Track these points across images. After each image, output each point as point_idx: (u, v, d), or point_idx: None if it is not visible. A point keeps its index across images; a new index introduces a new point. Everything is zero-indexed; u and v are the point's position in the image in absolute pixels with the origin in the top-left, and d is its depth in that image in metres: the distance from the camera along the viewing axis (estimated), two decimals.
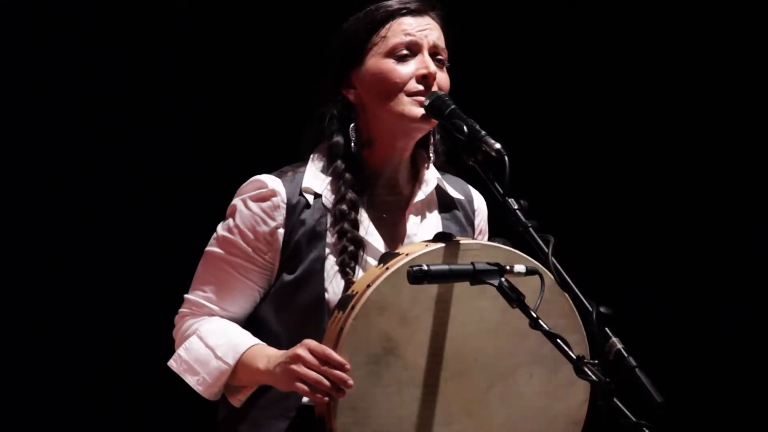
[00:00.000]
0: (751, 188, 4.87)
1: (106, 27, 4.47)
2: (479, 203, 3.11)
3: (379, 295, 2.72)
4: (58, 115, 4.47)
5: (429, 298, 2.75)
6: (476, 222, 3.10)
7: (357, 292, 2.74)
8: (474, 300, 2.76)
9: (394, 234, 2.99)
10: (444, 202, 3.06)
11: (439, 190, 3.05)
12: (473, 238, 3.07)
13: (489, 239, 2.99)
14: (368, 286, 2.72)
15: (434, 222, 3.03)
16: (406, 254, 2.75)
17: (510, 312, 2.72)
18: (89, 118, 4.50)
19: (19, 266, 4.49)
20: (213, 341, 2.90)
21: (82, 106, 4.49)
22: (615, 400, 2.38)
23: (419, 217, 3.02)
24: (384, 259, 2.78)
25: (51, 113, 4.47)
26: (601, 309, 2.43)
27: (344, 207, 2.90)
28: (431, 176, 3.03)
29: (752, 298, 4.88)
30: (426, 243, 2.79)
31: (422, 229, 3.00)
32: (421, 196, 3.01)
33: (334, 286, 2.88)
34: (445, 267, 2.61)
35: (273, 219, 2.91)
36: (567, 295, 2.73)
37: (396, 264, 2.73)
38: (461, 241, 2.76)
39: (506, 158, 2.64)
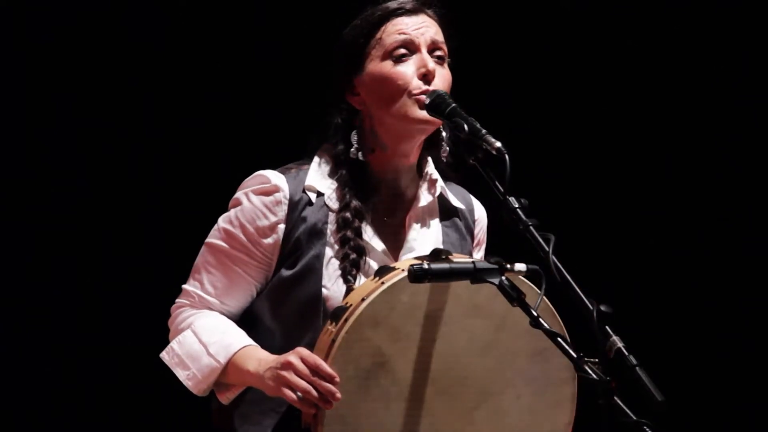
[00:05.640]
0: (752, 187, 4.88)
1: (115, 20, 4.49)
2: (480, 213, 3.11)
3: (373, 309, 2.70)
4: (59, 113, 4.47)
5: (422, 315, 2.74)
6: (475, 231, 3.10)
7: (351, 305, 2.73)
8: (466, 318, 2.76)
9: (394, 239, 2.98)
10: (445, 211, 3.05)
11: (441, 198, 3.05)
12: (471, 248, 3.09)
13: (485, 258, 2.98)
14: (363, 299, 2.72)
15: (434, 230, 3.03)
16: (402, 269, 2.73)
17: (501, 332, 2.77)
18: (94, 115, 4.49)
19: (19, 262, 4.47)
20: (206, 338, 2.89)
21: (84, 103, 4.48)
22: (615, 398, 2.37)
23: (419, 224, 3.01)
24: (380, 272, 2.78)
25: (52, 111, 4.47)
26: (602, 307, 2.43)
27: (348, 215, 2.91)
28: (435, 184, 3.03)
29: (753, 297, 4.88)
30: (422, 259, 2.76)
31: (422, 236, 3.00)
32: (423, 202, 3.01)
33: (334, 286, 2.87)
34: (446, 265, 2.62)
35: (274, 214, 2.91)
36: (559, 319, 2.76)
37: (391, 279, 2.73)
38: (456, 258, 2.75)
39: (507, 157, 2.62)
